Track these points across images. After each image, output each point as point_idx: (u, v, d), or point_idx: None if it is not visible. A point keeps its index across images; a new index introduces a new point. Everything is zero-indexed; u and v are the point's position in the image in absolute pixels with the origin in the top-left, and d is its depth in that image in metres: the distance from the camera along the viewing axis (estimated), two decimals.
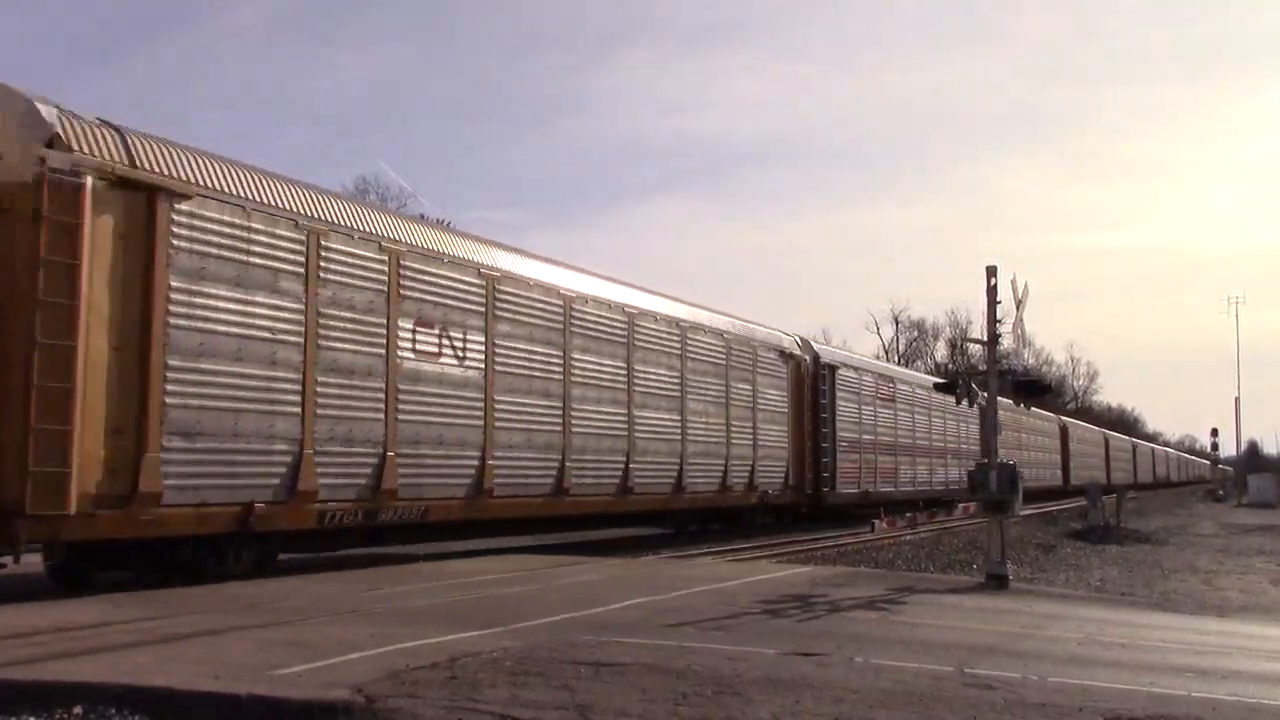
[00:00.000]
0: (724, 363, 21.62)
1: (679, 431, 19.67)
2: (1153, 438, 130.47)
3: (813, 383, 25.69)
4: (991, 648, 7.83)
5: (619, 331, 18.13)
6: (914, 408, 32.79)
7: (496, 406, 14.91)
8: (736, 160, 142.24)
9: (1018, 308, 13.66)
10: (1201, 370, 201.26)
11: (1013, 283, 13.35)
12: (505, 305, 15.34)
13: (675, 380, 19.78)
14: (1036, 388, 18.66)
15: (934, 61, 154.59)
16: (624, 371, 18.12)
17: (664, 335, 19.55)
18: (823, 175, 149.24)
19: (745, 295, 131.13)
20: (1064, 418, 58.99)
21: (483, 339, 14.76)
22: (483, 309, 14.83)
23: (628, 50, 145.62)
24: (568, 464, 16.44)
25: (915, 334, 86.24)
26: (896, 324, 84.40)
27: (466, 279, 14.59)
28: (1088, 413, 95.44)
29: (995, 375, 13.63)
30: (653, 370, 19.01)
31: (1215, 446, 73.00)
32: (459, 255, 14.62)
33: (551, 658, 6.60)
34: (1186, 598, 14.26)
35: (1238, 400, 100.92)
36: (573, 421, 16.62)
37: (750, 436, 22.47)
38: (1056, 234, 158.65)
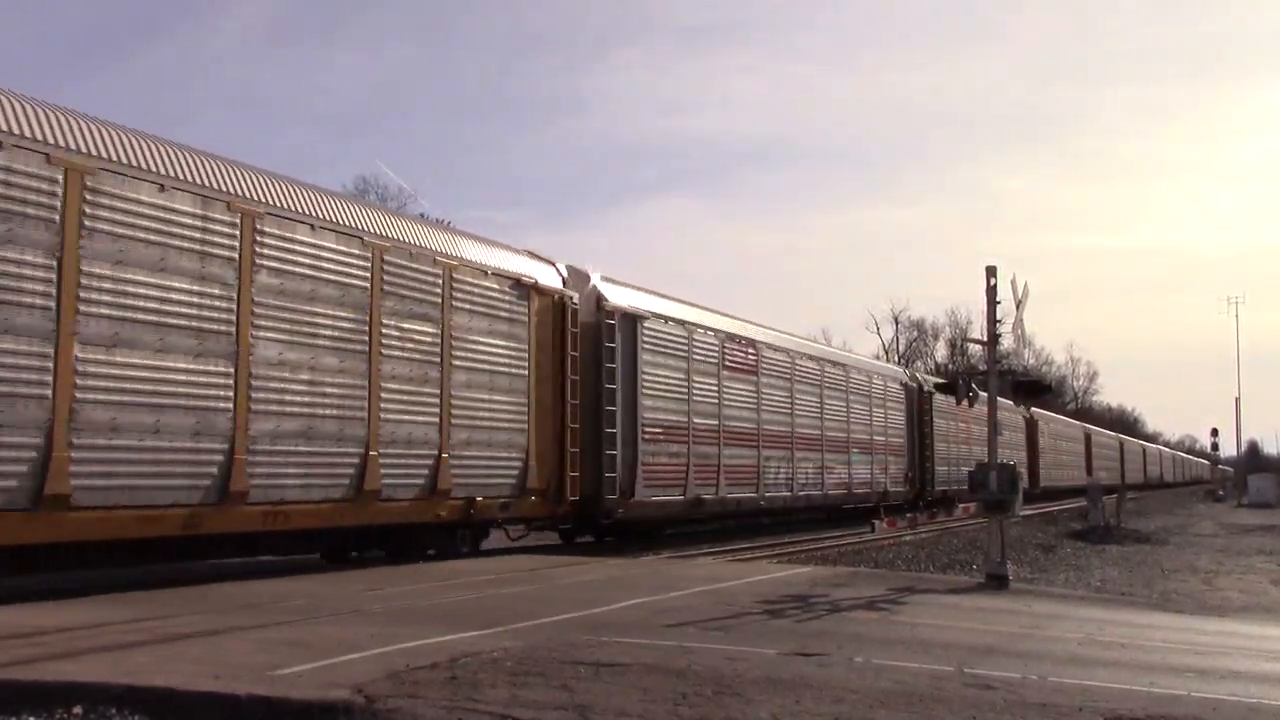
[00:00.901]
0: (368, 287, 12.94)
1: (230, 395, 11.18)
2: (1152, 438, 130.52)
3: (594, 336, 17.30)
4: (991, 648, 7.83)
5: (86, 215, 10.02)
6: (793, 383, 24.10)
7: None
8: (736, 160, 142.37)
9: (1018, 308, 13.67)
10: (1201, 370, 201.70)
11: (1013, 283, 13.37)
12: None
13: (223, 308, 11.18)
14: (1037, 388, 18.73)
15: (934, 61, 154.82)
16: (53, 279, 9.74)
17: (199, 228, 11.00)
18: (823, 175, 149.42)
19: (745, 295, 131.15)
20: (1034, 409, 49.48)
21: None
22: None
23: (627, 50, 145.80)
24: None
25: (915, 334, 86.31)
26: (896, 324, 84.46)
27: None
28: (1088, 413, 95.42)
29: (995, 375, 13.64)
30: (153, 283, 10.50)
31: (1215, 446, 72.96)
32: None
33: (551, 658, 6.59)
34: (1187, 598, 14.25)
35: (1238, 400, 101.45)
36: None
37: (435, 411, 13.84)
38: (1056, 234, 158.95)
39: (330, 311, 12.50)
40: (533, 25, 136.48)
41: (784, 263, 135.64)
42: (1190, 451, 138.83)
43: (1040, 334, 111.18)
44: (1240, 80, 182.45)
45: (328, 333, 12.45)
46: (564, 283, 16.92)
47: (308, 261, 12.26)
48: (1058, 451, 53.82)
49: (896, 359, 76.51)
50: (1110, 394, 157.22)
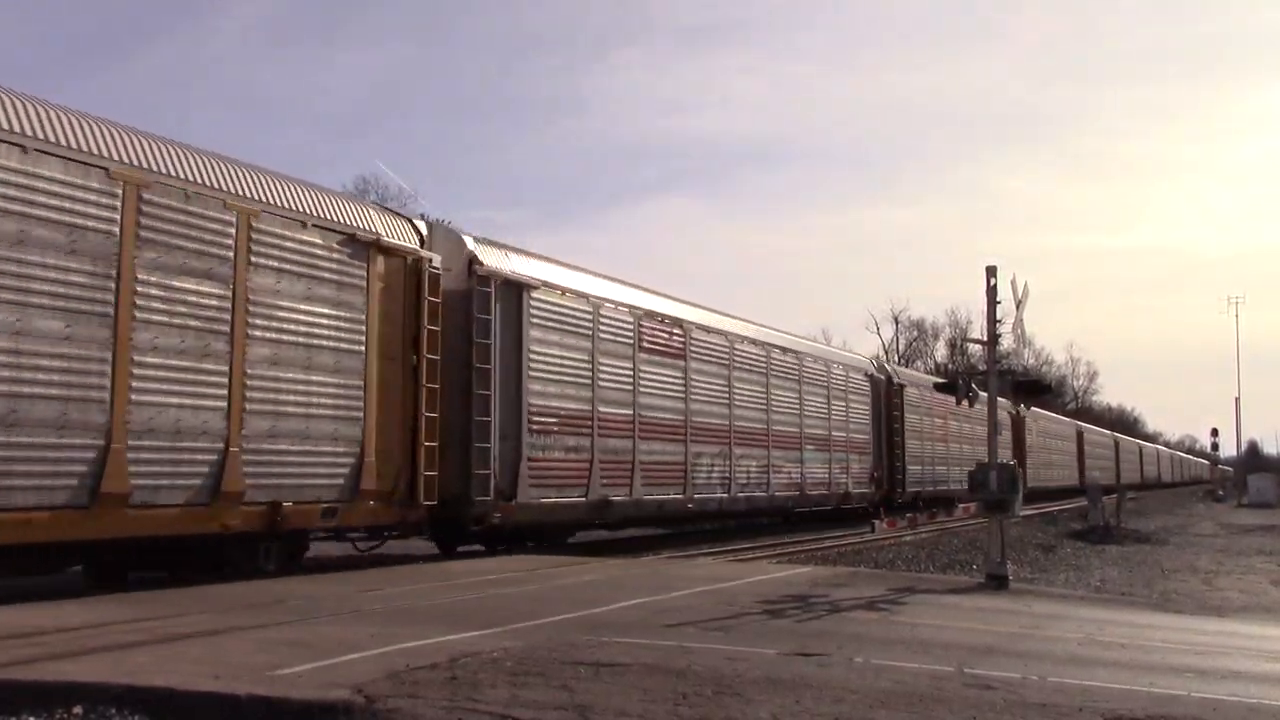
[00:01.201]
0: (115, 232, 10.10)
1: None
2: (1152, 437, 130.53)
3: (464, 308, 14.40)
4: (991, 648, 7.83)
5: None
6: (732, 370, 21.23)
7: None
8: (736, 160, 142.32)
9: (1018, 308, 13.67)
10: (1201, 370, 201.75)
11: (1013, 283, 13.37)
12: None
13: None
14: (1037, 388, 18.71)
15: (934, 61, 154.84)
16: None
17: None
18: (823, 175, 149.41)
19: (745, 295, 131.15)
20: (1022, 406, 45.43)
21: None
22: None
23: (627, 50, 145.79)
24: None
25: (915, 334, 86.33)
26: (896, 324, 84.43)
27: None
28: (1088, 412, 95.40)
29: (995, 375, 13.64)
30: None
31: (1215, 446, 72.87)
32: None
33: (551, 658, 6.60)
34: (1187, 598, 14.25)
35: (1238, 400, 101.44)
36: None
37: (221, 393, 10.96)
38: (1056, 234, 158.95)
39: (50, 261, 9.55)
40: (533, 25, 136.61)
41: (784, 263, 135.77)
42: (1190, 451, 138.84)
43: (1040, 334, 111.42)
44: (1240, 80, 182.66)
45: (45, 288, 9.51)
46: (422, 242, 14.00)
47: (16, 194, 9.36)
48: (1047, 450, 51.34)
49: (897, 359, 76.48)
50: (1110, 394, 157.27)
